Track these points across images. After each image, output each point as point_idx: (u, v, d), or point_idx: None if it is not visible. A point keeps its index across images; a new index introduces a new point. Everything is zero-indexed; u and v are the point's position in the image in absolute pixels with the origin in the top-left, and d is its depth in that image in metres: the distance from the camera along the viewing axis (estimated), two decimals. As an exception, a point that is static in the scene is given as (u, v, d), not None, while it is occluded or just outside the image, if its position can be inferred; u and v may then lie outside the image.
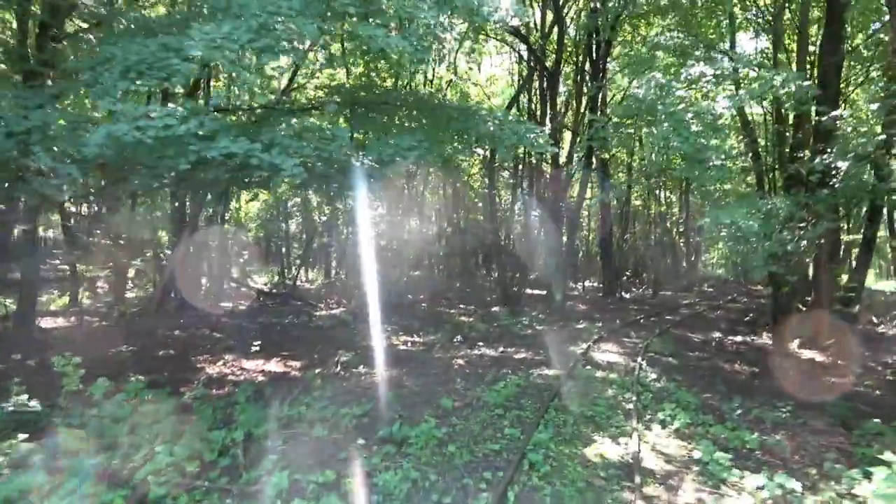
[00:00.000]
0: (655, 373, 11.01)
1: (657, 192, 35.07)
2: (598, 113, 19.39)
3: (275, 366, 11.37)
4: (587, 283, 37.03)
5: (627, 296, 29.92)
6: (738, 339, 16.50)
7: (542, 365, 11.57)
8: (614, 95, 25.92)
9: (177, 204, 17.96)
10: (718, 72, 10.45)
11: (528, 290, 29.20)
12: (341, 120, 11.78)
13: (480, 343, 13.95)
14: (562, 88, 28.17)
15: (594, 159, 22.64)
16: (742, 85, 14.42)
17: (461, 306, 22.99)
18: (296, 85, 18.40)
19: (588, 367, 11.27)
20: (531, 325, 17.18)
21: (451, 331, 15.88)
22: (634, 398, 8.98)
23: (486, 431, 7.31)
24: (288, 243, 25.45)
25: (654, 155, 31.90)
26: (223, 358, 11.67)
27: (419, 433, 6.86)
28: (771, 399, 10.12)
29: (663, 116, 11.18)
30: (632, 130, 14.88)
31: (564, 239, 20.37)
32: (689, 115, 11.17)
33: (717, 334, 17.10)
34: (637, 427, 7.63)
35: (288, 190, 23.06)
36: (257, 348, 12.22)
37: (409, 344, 14.00)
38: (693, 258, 39.74)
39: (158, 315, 16.52)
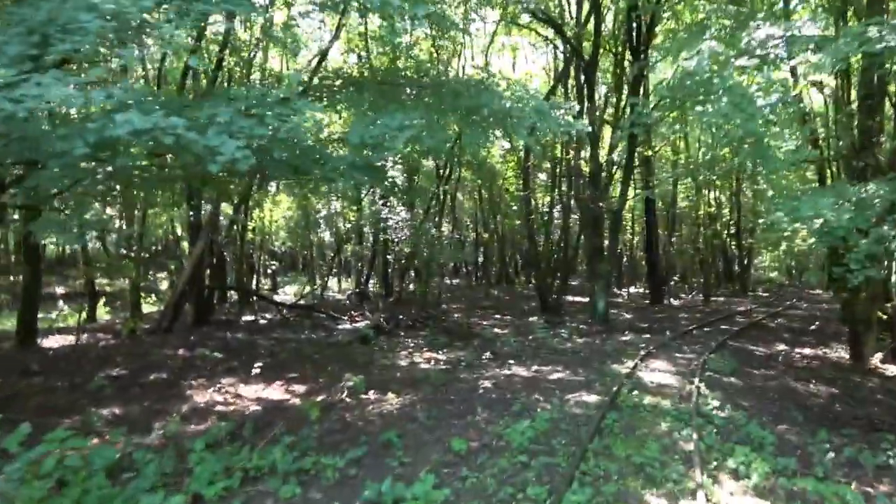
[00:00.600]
0: (717, 398, 9.11)
1: (705, 191, 32.65)
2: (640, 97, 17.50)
3: (275, 392, 9.88)
4: (632, 290, 34.83)
5: (676, 302, 27.72)
6: (808, 352, 14.36)
7: (581, 388, 9.79)
8: (656, 86, 23.84)
9: (192, 213, 16.76)
10: (790, 33, 8.50)
11: (570, 298, 27.33)
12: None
13: (511, 361, 12.21)
14: (601, 86, 26.32)
15: (636, 156, 20.69)
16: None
17: (497, 316, 21.29)
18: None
19: (635, 391, 9.43)
20: (570, 338, 15.36)
21: (481, 346, 14.21)
22: (695, 435, 7.15)
23: (504, 490, 5.60)
24: (315, 253, 24.13)
25: (708, 138, 29.54)
26: (219, 383, 10.24)
27: (416, 494, 5.23)
28: (863, 432, 8.16)
29: (721, 91, 9.29)
30: (678, 114, 12.92)
31: (606, 243, 18.43)
32: (755, 87, 9.25)
33: (781, 347, 14.97)
34: (702, 480, 5.82)
35: (316, 195, 21.80)
36: (258, 371, 10.79)
37: (433, 362, 12.36)
38: (746, 261, 37.05)
39: (170, 332, 15.31)
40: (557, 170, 25.11)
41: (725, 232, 34.58)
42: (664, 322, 19.15)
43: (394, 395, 9.38)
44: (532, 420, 7.63)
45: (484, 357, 12.69)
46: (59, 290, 24.58)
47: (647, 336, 15.76)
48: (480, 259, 37.91)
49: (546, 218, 27.92)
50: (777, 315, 22.04)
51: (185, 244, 19.08)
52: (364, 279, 23.64)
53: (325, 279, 22.92)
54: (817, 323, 19.12)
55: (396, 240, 19.10)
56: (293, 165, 5.50)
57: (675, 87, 11.61)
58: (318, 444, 6.91)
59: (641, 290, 34.17)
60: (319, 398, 9.44)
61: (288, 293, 25.77)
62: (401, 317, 17.98)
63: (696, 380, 10.12)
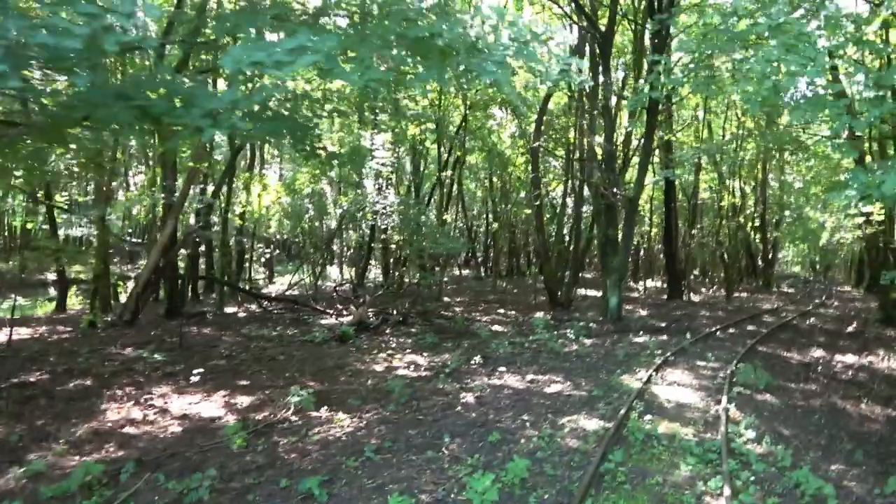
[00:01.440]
0: (751, 424, 7.13)
1: (729, 181, 30.30)
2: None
3: (211, 405, 8.08)
4: (649, 283, 32.64)
5: (696, 298, 25.54)
6: (850, 359, 12.24)
7: (581, 408, 7.86)
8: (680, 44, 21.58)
9: (164, 195, 15.04)
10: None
11: (583, 291, 25.30)
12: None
13: (503, 368, 10.31)
14: (620, 71, 24.23)
15: (656, 139, 18.57)
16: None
17: (500, 311, 19.36)
18: None
19: (648, 415, 7.47)
20: (577, 339, 13.39)
21: (473, 347, 12.32)
22: (727, 490, 5.20)
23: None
24: (310, 240, 22.28)
25: (734, 116, 27.13)
26: (150, 393, 8.46)
27: None
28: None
29: (767, 33, 7.20)
30: (706, 78, 10.83)
31: (620, 234, 16.38)
32: (815, 24, 7.15)
33: (819, 353, 12.87)
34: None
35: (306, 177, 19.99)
36: (198, 378, 9.01)
37: (412, 367, 10.50)
38: (770, 256, 34.65)
39: (133, 326, 13.62)
40: (571, 156, 23.05)
41: (749, 224, 32.19)
42: (683, 321, 17.07)
43: (347, 416, 7.52)
44: (513, 465, 5.70)
45: (473, 361, 10.79)
46: (48, 276, 23.13)
47: (664, 338, 13.73)
48: (489, 251, 35.97)
49: (558, 208, 25.89)
50: (808, 314, 19.83)
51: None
52: (361, 269, 21.79)
53: (320, 269, 21.11)
54: (855, 324, 16.93)
55: (384, 227, 17.16)
56: (136, 107, 3.68)
57: (702, 38, 9.52)
58: (214, 495, 5.08)
59: (658, 285, 31.97)
60: (261, 415, 7.64)
61: (285, 283, 24.09)
62: (392, 312, 16.14)
63: (724, 398, 8.12)
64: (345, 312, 15.42)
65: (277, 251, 28.24)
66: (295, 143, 6.76)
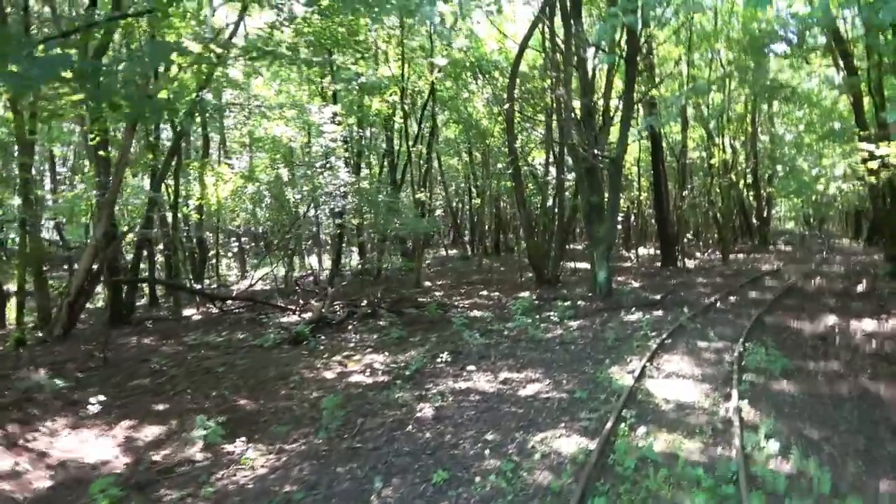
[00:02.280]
0: (771, 429, 5.57)
1: (717, 138, 28.55)
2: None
3: (108, 444, 6.48)
4: (641, 251, 31.05)
5: (691, 264, 23.96)
6: (870, 326, 10.65)
7: (558, 419, 6.28)
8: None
9: (97, 192, 13.33)
10: None
11: (573, 264, 23.68)
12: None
13: (472, 367, 8.71)
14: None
15: (638, 96, 16.83)
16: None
17: (483, 293, 17.77)
18: None
19: (642, 426, 5.88)
20: (562, 321, 11.81)
21: (444, 340, 10.74)
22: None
23: None
24: (270, 230, 20.51)
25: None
26: (35, 431, 6.85)
27: None
28: None
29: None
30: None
31: (606, 199, 14.72)
32: None
33: (832, 319, 11.28)
34: None
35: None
36: (96, 408, 7.40)
37: (368, 371, 8.90)
38: (765, 213, 33.05)
39: (66, 339, 11.99)
40: (550, 121, 21.29)
41: (742, 181, 30.54)
42: (679, 291, 15.50)
43: (265, 450, 5.93)
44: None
45: (440, 359, 9.20)
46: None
47: (659, 314, 12.15)
48: (473, 226, 34.27)
49: (542, 178, 24.17)
50: (811, 274, 18.25)
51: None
52: (335, 257, 20.09)
53: (288, 259, 19.42)
54: (864, 282, 15.36)
55: (336, 208, 15.37)
56: None
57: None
58: None
59: (652, 252, 30.37)
60: (161, 454, 6.05)
61: (253, 280, 22.41)
62: (361, 303, 14.54)
63: (734, 392, 6.55)
64: (308, 308, 13.79)
65: (252, 244, 26.48)
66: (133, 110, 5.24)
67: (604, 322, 11.71)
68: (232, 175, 17.27)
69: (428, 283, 21.01)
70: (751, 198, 32.81)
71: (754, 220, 33.40)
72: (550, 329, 11.20)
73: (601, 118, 14.53)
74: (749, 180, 31.31)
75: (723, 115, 25.22)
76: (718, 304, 12.88)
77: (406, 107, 20.57)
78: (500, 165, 26.25)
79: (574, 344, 9.92)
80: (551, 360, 8.93)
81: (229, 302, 15.06)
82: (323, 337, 11.46)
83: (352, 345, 10.80)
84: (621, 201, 32.17)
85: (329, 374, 8.89)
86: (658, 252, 26.31)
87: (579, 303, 14.19)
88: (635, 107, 18.91)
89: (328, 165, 14.73)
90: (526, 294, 16.71)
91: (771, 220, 36.42)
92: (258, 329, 12.52)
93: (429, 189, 25.98)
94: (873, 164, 12.07)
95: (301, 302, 14.38)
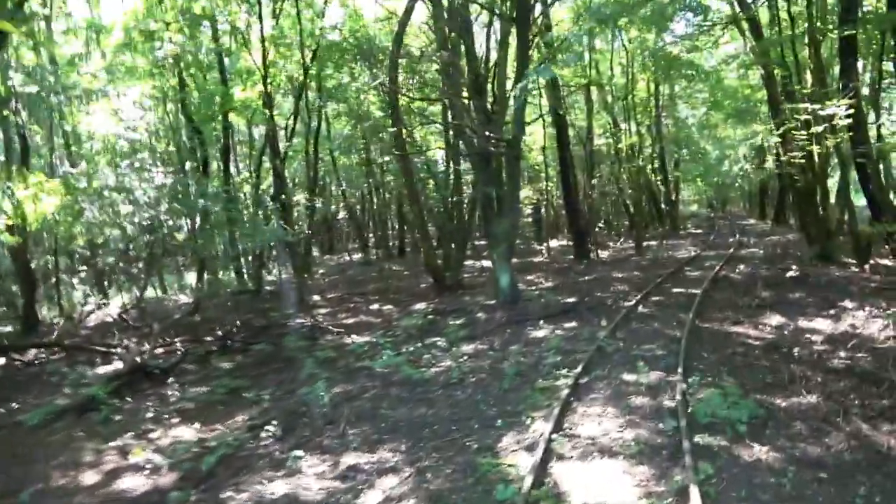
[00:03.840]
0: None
1: (623, 124, 26.72)
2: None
3: None
4: (554, 243, 28.93)
5: (604, 254, 21.89)
6: (821, 325, 8.44)
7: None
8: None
9: None
10: None
11: (481, 263, 21.08)
12: None
13: (299, 453, 5.69)
14: None
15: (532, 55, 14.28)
16: None
17: (374, 307, 14.84)
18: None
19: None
20: (453, 346, 9.05)
21: (287, 392, 7.74)
22: None
23: None
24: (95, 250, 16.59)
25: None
26: None
27: None
28: None
29: None
30: None
31: (505, 190, 12.07)
32: None
33: (776, 319, 9.03)
34: None
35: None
36: None
37: (149, 469, 5.76)
38: (673, 197, 31.73)
39: None
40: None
41: (649, 166, 28.95)
42: (594, 290, 13.09)
43: None
44: None
45: (267, 433, 6.19)
46: None
47: (573, 327, 9.58)
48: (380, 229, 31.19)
49: (439, 171, 21.46)
50: (733, 259, 16.35)
51: None
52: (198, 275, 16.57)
53: (142, 283, 15.76)
54: (794, 268, 13.45)
55: (144, 221, 11.79)
56: None
57: None
58: None
59: (564, 243, 28.28)
60: None
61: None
62: (206, 338, 11.31)
63: (693, 487, 3.89)
64: (122, 352, 10.33)
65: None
66: None
67: (505, 343, 9.02)
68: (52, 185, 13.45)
69: (317, 297, 17.86)
70: (658, 183, 31.39)
71: (663, 206, 32.04)
72: (435, 361, 8.39)
73: (494, 95, 11.81)
74: (656, 165, 29.80)
75: (628, 97, 23.29)
76: (641, 308, 10.45)
77: (273, 96, 17.31)
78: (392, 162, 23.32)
79: (462, 386, 7.14)
80: (425, 421, 6.09)
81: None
82: (129, 399, 8.16)
83: (163, 410, 7.58)
84: (530, 192, 30.08)
85: (90, 478, 5.71)
86: (570, 244, 24.20)
87: (479, 315, 11.52)
88: (534, 84, 16.49)
89: (136, 165, 11.33)
90: (422, 306, 13.94)
91: (679, 204, 35.25)
92: (48, 388, 9.06)
93: (317, 191, 22.78)
94: (817, 129, 9.98)
95: (125, 340, 10.89)
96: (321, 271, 24.18)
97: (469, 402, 6.52)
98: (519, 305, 11.87)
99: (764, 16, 17.56)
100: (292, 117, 18.50)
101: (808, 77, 14.46)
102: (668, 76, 24.37)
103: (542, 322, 10.06)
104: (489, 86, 11.63)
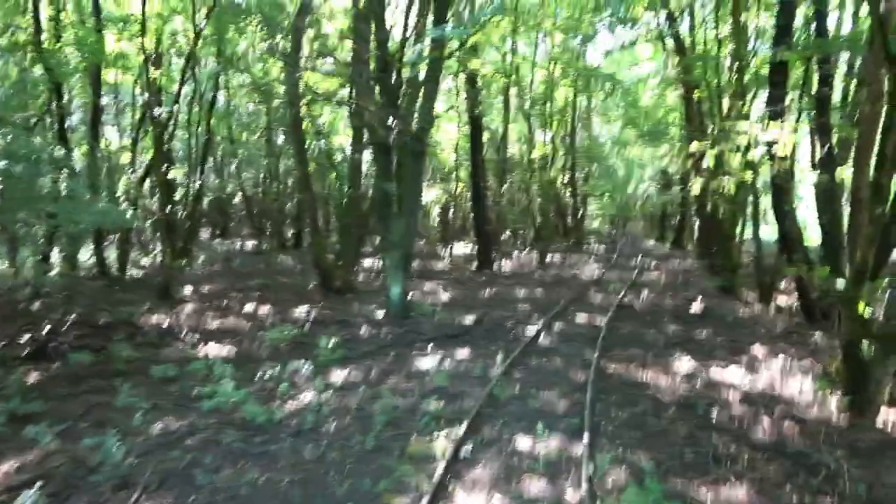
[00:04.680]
0: None
1: (539, 132, 25.88)
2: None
3: None
4: (458, 247, 27.72)
5: (507, 266, 20.84)
6: (736, 378, 7.47)
7: None
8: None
9: None
10: None
11: (380, 262, 19.46)
12: None
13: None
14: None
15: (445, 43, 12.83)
16: None
17: (250, 307, 12.85)
18: None
19: None
20: (318, 376, 7.38)
21: (77, 437, 5.80)
22: None
23: None
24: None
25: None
26: None
27: None
28: None
29: None
30: None
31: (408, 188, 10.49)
32: None
33: (685, 363, 8.02)
34: None
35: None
36: None
37: None
38: (581, 211, 31.38)
39: None
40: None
41: (560, 178, 28.34)
42: (494, 309, 11.82)
43: None
44: None
45: None
46: None
47: (466, 355, 8.18)
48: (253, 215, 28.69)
49: (344, 161, 19.63)
50: (636, 284, 15.62)
51: None
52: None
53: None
54: (700, 300, 12.77)
55: None
56: None
57: None
58: None
59: (469, 249, 27.12)
60: None
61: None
62: (20, 338, 9.01)
63: None
64: None
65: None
66: None
67: (383, 373, 7.47)
68: None
69: (189, 290, 15.55)
70: (568, 195, 30.94)
71: (570, 219, 31.64)
72: (296, 391, 6.72)
73: (398, 76, 10.19)
74: (567, 178, 29.27)
75: (546, 103, 22.39)
76: (542, 338, 9.21)
77: (162, 54, 14.88)
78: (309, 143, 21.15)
79: (317, 435, 5.52)
80: (251, 495, 4.42)
81: None
82: None
83: None
84: (440, 192, 28.72)
85: None
86: (475, 250, 23.07)
87: (363, 329, 9.92)
88: (451, 75, 15.03)
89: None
90: (303, 311, 12.14)
91: (585, 219, 35.06)
92: None
93: (205, 169, 20.29)
94: (754, 155, 9.11)
95: None
96: (203, 258, 21.63)
97: (319, 465, 4.91)
98: (409, 321, 10.38)
99: (689, 38, 17.08)
100: (181, 82, 16.04)
101: (725, 102, 13.94)
102: (587, 86, 23.72)
103: (431, 346, 8.59)
104: (398, 66, 9.99)
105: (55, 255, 15.48)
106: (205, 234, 36.56)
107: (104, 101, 19.85)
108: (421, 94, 10.11)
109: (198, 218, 26.20)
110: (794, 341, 9.23)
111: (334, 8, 15.34)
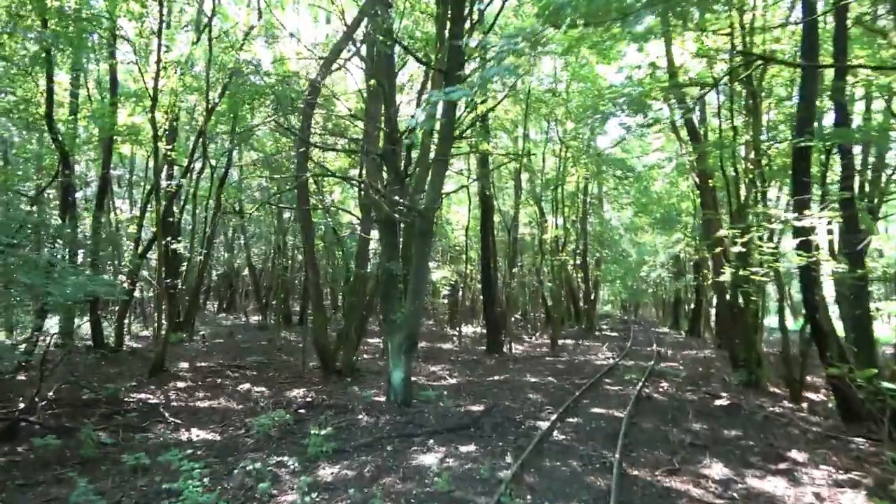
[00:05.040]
0: None
1: (550, 216, 25.62)
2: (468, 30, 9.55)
3: None
4: (467, 329, 26.92)
5: (518, 349, 20.00)
6: (773, 487, 6.57)
7: None
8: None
9: None
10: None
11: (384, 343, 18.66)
12: None
13: None
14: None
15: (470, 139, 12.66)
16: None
17: (245, 386, 12.08)
18: None
19: None
20: (306, 470, 6.58)
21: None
22: None
23: None
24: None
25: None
26: None
27: None
28: None
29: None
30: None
31: (413, 268, 9.92)
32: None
33: (717, 470, 7.12)
34: None
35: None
36: None
37: None
38: (593, 296, 30.64)
39: None
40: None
41: (571, 262, 27.83)
42: (504, 398, 10.97)
43: None
44: None
45: None
46: None
47: (471, 454, 7.32)
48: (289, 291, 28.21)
49: (350, 237, 19.30)
50: (653, 374, 14.68)
51: None
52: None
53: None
54: (723, 395, 11.85)
55: None
56: None
57: None
58: None
59: (478, 330, 26.29)
60: None
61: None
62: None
63: None
64: None
65: None
66: None
67: (378, 471, 6.63)
68: None
69: (185, 365, 14.83)
70: (579, 279, 30.34)
71: (582, 303, 30.88)
72: (276, 491, 5.90)
73: (407, 155, 9.87)
74: (578, 261, 28.76)
75: (558, 188, 22.21)
76: (556, 435, 8.34)
77: (176, 129, 14.86)
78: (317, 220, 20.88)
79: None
80: None
81: None
82: None
83: None
84: (448, 273, 28.21)
85: None
86: (483, 333, 22.26)
87: (361, 417, 9.10)
88: (462, 156, 14.82)
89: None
90: (298, 394, 11.39)
91: (597, 303, 34.26)
92: None
93: (212, 243, 20.00)
94: (788, 247, 8.53)
95: None
96: (204, 332, 20.96)
97: None
98: (412, 409, 9.54)
99: (701, 128, 16.94)
100: (191, 156, 15.96)
101: (742, 190, 13.54)
102: (599, 172, 23.60)
103: (432, 441, 7.75)
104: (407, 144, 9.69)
105: (53, 325, 14.90)
106: (212, 307, 36.10)
107: (119, 172, 19.91)
108: (430, 172, 9.74)
109: (201, 291, 25.68)
110: (834, 447, 8.29)
111: (346, 88, 15.39)
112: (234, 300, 33.46)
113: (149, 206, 18.87)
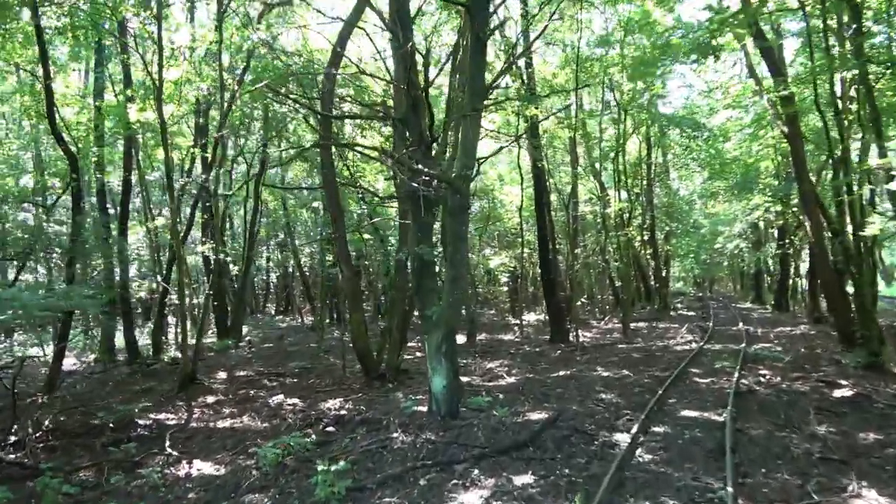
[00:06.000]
0: None
1: (612, 191, 23.18)
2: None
3: None
4: (530, 317, 24.94)
5: (586, 337, 17.89)
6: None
7: None
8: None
9: None
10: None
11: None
12: None
13: None
14: None
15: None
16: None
17: (278, 398, 10.68)
18: None
19: None
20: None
21: None
22: None
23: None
24: None
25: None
26: None
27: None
28: None
29: None
30: None
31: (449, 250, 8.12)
32: None
33: (875, 499, 5.01)
34: None
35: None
36: None
37: None
38: (664, 272, 27.97)
39: None
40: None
41: (638, 238, 25.30)
42: (570, 401, 9.05)
43: None
44: None
45: None
46: None
47: (528, 485, 5.50)
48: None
49: (387, 223, 17.68)
50: (748, 360, 12.30)
51: None
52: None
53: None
54: (846, 383, 9.50)
55: None
56: None
57: None
58: None
59: (542, 317, 24.19)
60: None
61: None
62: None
63: None
64: None
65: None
66: None
67: (403, 523, 4.90)
68: None
69: (222, 375, 13.67)
70: (648, 256, 27.74)
71: (653, 282, 28.27)
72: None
73: (430, 117, 7.99)
74: (646, 237, 26.17)
75: (618, 156, 19.83)
76: (640, 455, 6.38)
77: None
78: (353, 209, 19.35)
79: None
80: None
81: None
82: None
83: None
84: (507, 259, 26.23)
85: None
86: (545, 321, 20.25)
87: (395, 436, 7.40)
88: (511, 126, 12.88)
89: None
90: (333, 405, 9.86)
91: (669, 281, 31.46)
92: None
93: (253, 244, 18.81)
94: None
95: None
96: (252, 337, 19.91)
97: None
98: (458, 423, 7.76)
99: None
100: (214, 150, 14.68)
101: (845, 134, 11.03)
102: (662, 135, 21.05)
103: (478, 471, 5.95)
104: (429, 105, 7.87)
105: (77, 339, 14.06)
106: (271, 309, 35.51)
107: (152, 177, 19.03)
108: (460, 131, 7.89)
109: (257, 294, 24.72)
110: None
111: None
112: (290, 302, 32.70)
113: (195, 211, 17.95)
